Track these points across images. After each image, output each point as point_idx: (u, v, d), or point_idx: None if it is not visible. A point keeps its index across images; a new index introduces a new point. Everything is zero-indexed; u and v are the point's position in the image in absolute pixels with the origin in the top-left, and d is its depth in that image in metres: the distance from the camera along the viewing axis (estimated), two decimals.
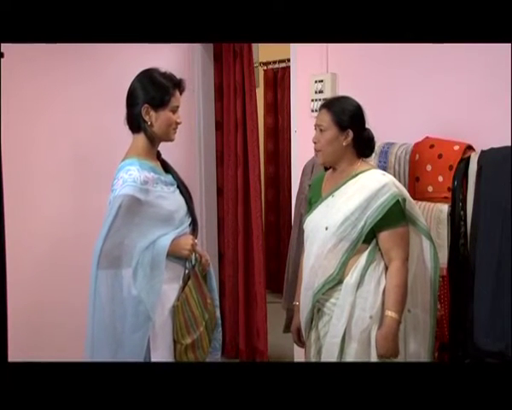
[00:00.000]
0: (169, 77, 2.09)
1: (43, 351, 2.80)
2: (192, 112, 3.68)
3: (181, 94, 2.12)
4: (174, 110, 2.08)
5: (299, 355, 2.94)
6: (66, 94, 3.06)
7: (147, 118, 2.05)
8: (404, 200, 2.07)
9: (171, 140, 2.14)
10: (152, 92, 2.04)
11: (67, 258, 3.08)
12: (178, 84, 2.10)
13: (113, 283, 1.95)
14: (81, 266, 3.09)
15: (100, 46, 2.85)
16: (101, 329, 1.97)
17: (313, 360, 2.17)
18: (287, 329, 2.77)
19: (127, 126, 2.11)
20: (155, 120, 2.05)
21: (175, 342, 2.07)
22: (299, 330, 2.31)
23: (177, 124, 2.11)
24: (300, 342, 2.34)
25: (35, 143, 2.94)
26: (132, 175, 1.97)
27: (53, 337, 3.00)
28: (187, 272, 2.13)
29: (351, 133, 2.09)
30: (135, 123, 2.08)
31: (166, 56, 3.25)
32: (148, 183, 2.00)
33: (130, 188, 1.95)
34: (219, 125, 3.90)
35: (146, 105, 2.04)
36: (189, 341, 2.08)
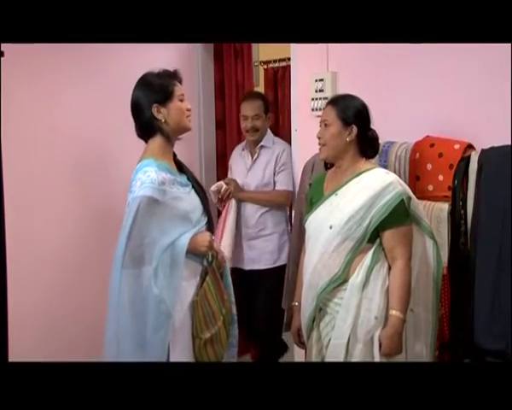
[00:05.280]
0: (164, 73, 2.15)
1: (43, 351, 2.80)
2: (192, 111, 3.66)
3: (181, 84, 2.17)
4: (181, 99, 2.13)
5: (299, 353, 2.93)
6: (67, 93, 3.05)
7: (160, 116, 2.09)
8: (409, 198, 2.08)
9: (188, 128, 2.18)
10: (155, 92, 2.09)
11: (68, 258, 3.08)
12: (175, 76, 2.16)
13: (136, 282, 1.97)
14: (82, 266, 3.12)
15: (100, 46, 2.85)
16: (125, 330, 1.98)
17: (315, 360, 2.16)
18: (287, 327, 2.76)
19: (137, 136, 2.15)
20: (168, 114, 2.09)
21: (194, 337, 2.10)
22: (299, 331, 2.30)
23: (188, 110, 2.16)
24: (301, 343, 2.33)
25: (35, 143, 2.94)
26: (150, 176, 2.00)
27: (53, 338, 3.00)
28: (204, 268, 2.15)
29: (355, 129, 2.09)
30: (149, 128, 2.11)
31: (166, 56, 3.25)
32: (165, 183, 2.03)
33: (148, 189, 1.98)
34: (220, 125, 3.89)
35: (155, 104, 2.08)
36: (207, 335, 2.10)
